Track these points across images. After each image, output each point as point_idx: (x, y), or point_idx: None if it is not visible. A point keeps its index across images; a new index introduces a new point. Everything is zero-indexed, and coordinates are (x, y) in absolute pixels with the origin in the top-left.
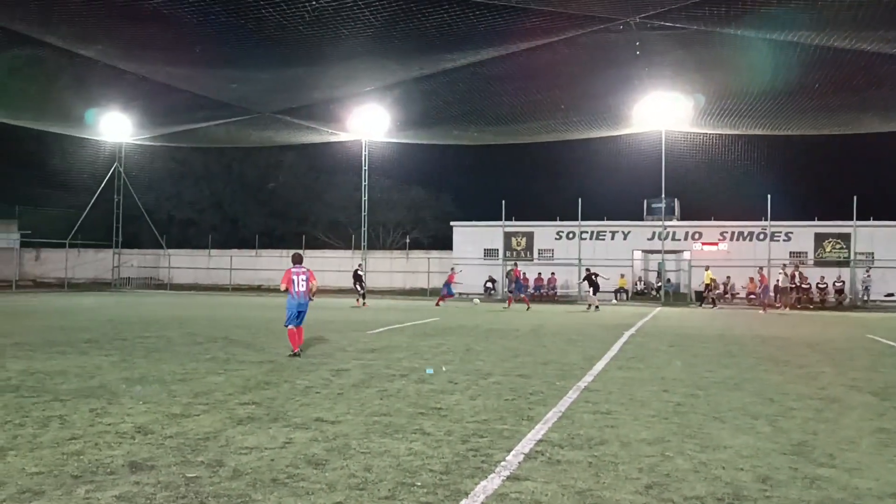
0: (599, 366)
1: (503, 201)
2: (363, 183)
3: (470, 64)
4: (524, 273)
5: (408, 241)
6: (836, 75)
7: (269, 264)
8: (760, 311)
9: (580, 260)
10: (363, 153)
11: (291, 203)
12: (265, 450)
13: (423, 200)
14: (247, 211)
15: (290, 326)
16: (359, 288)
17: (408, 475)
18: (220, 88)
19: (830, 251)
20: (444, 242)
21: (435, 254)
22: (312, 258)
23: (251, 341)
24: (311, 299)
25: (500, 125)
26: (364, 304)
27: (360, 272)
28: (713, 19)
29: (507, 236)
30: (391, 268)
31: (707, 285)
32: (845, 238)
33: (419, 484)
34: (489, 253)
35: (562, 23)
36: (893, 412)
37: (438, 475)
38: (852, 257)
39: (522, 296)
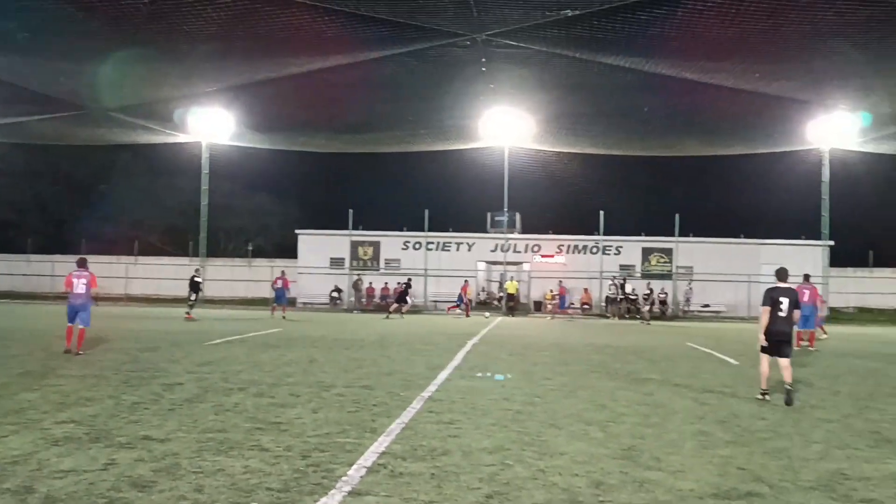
0: (443, 375)
1: (350, 210)
2: (203, 187)
3: (318, 70)
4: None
5: (250, 248)
6: (663, 100)
7: (98, 271)
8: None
9: (426, 270)
10: (203, 156)
11: (125, 206)
12: (84, 472)
13: (268, 207)
14: (74, 214)
15: (69, 325)
16: (192, 297)
17: (243, 495)
18: (46, 81)
19: (655, 265)
20: (290, 251)
21: (279, 262)
22: (146, 265)
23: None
24: (94, 303)
25: (349, 134)
26: (189, 314)
27: (197, 279)
28: (554, 41)
29: (354, 245)
30: (232, 276)
31: (511, 295)
32: (668, 252)
33: None
34: (335, 262)
35: (410, 34)
36: (711, 415)
37: (276, 493)
38: (674, 270)
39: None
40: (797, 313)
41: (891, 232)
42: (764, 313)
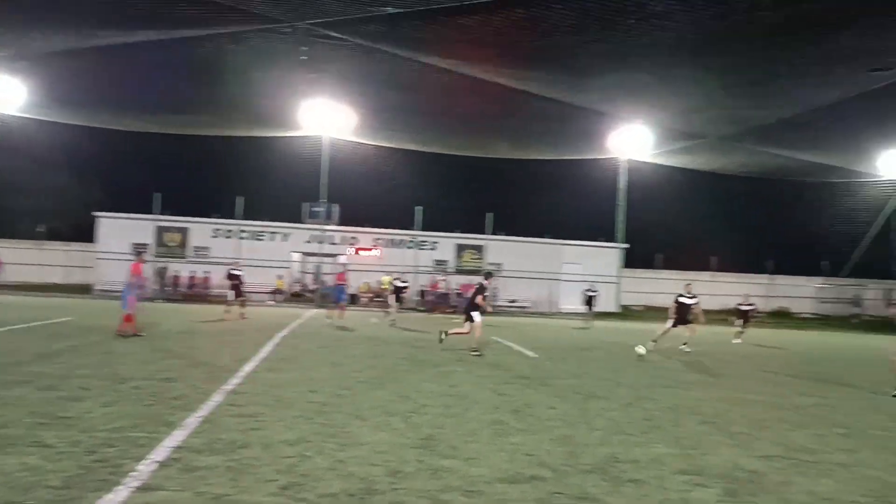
0: (249, 367)
1: (158, 194)
2: None
3: (124, 45)
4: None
5: (40, 230)
6: (477, 102)
7: None
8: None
9: (238, 260)
10: None
11: None
12: None
13: (66, 187)
14: None
15: None
16: None
17: (19, 493)
18: None
19: (468, 261)
20: (88, 234)
21: (75, 246)
22: None
23: None
24: None
25: (158, 114)
26: None
27: None
28: (376, 36)
29: (160, 231)
30: (21, 259)
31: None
32: (480, 250)
33: (32, 502)
34: (139, 248)
35: (229, 15)
36: (508, 405)
37: (56, 491)
38: (485, 267)
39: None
40: None
41: (677, 237)
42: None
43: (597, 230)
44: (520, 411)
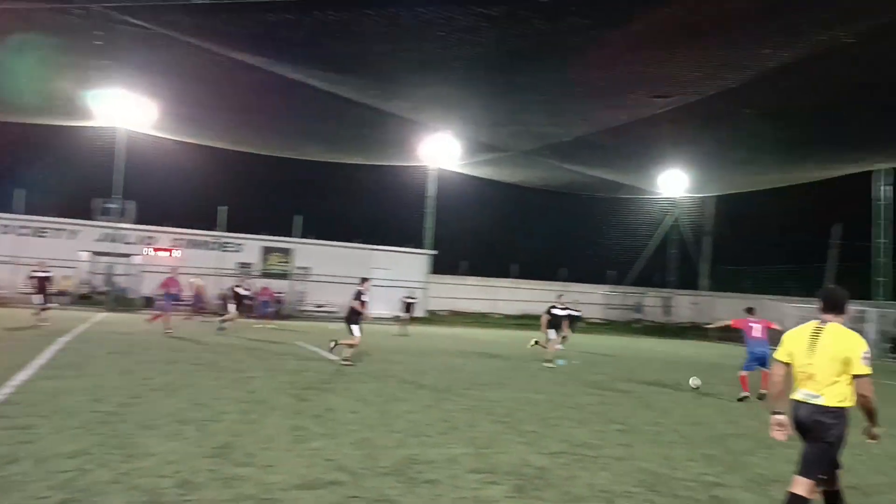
0: (24, 376)
1: None
2: None
3: None
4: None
5: None
6: (288, 103)
7: None
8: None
9: (15, 258)
10: None
11: None
12: None
13: None
14: None
15: None
16: None
17: None
18: None
19: (275, 264)
20: None
21: None
22: None
23: None
24: None
25: None
26: None
27: None
28: (181, 27)
29: None
30: None
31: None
32: (288, 253)
33: None
34: None
35: None
36: (308, 411)
37: None
38: (292, 270)
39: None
40: None
41: (482, 245)
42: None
43: (406, 236)
44: (321, 416)
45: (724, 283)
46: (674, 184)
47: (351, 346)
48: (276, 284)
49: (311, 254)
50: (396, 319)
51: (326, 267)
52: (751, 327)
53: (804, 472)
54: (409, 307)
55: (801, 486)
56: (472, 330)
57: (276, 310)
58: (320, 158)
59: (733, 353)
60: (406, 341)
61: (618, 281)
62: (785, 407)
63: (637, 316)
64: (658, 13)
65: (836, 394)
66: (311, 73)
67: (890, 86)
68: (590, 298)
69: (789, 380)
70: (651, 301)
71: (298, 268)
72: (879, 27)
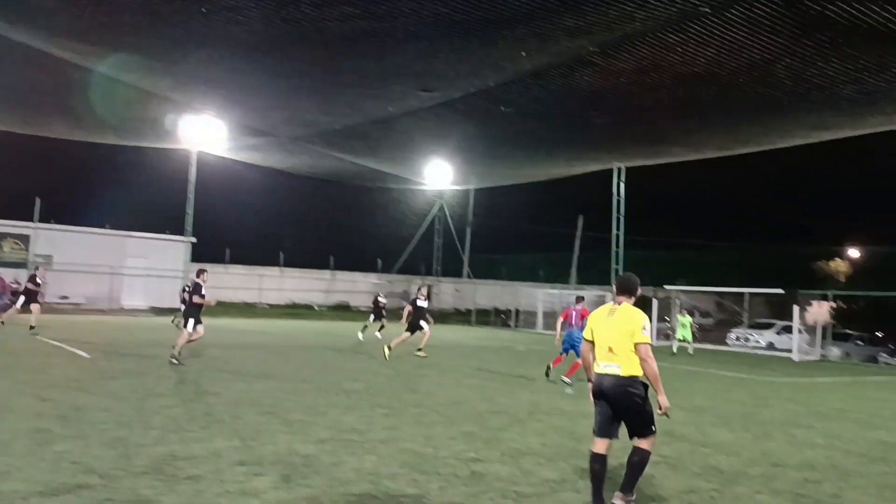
0: None
1: None
2: None
3: None
4: None
5: None
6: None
7: None
8: None
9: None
10: None
11: None
12: None
13: None
14: None
15: None
16: None
17: None
18: None
19: (10, 251)
20: None
21: None
22: None
23: None
24: None
25: None
26: None
27: None
28: None
29: None
30: None
31: None
32: (26, 239)
33: None
34: None
35: None
36: (53, 411)
37: None
38: (31, 259)
39: None
40: None
41: (247, 232)
42: None
43: (165, 223)
44: (67, 416)
45: (483, 270)
46: (439, 175)
47: (191, 341)
48: (11, 274)
49: (53, 240)
50: (154, 311)
51: (72, 255)
52: (572, 315)
53: (640, 432)
54: (185, 300)
55: (645, 443)
56: (238, 321)
57: (11, 302)
58: (67, 136)
59: (495, 336)
60: (163, 334)
61: (385, 269)
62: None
63: (404, 303)
64: (425, 9)
65: (630, 364)
66: (57, 41)
67: (623, 94)
68: (358, 287)
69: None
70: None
71: (38, 255)
72: (616, 40)
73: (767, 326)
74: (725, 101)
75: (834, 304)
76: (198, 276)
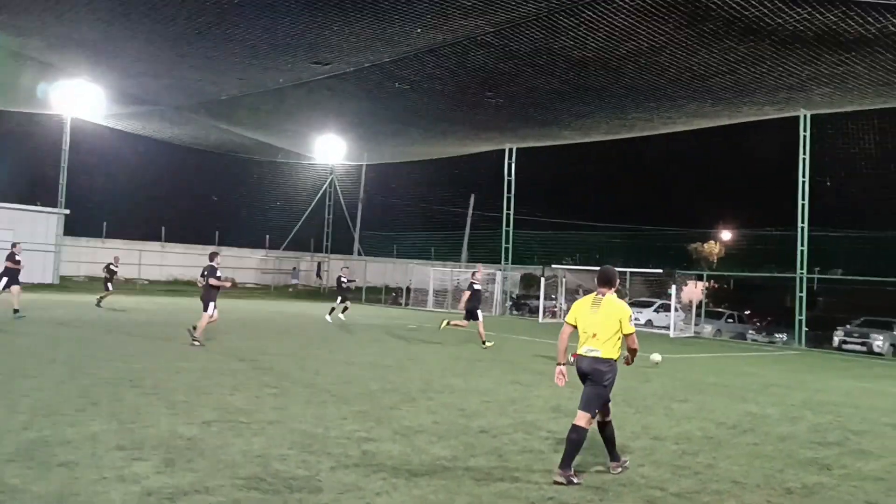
0: None
1: None
2: None
3: None
4: None
5: None
6: None
7: None
8: None
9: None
10: None
11: None
12: None
13: None
14: None
15: None
16: None
17: None
18: None
19: None
20: None
21: None
22: None
23: None
24: None
25: None
26: None
27: None
28: None
29: None
30: None
31: None
32: None
33: None
34: None
35: None
36: None
37: None
38: None
39: None
40: None
41: (125, 205)
42: None
43: (36, 193)
44: None
45: (374, 248)
46: (331, 150)
47: (210, 322)
48: None
49: None
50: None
51: None
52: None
53: (586, 408)
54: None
55: (583, 419)
56: (114, 297)
57: None
58: None
59: (386, 313)
60: (32, 311)
61: (274, 245)
62: (565, 360)
63: (293, 281)
64: None
65: (609, 348)
66: None
67: (516, 76)
68: (246, 263)
69: (574, 338)
70: (306, 265)
71: None
72: (510, 21)
73: (647, 305)
74: (614, 86)
75: (707, 284)
76: (211, 259)
